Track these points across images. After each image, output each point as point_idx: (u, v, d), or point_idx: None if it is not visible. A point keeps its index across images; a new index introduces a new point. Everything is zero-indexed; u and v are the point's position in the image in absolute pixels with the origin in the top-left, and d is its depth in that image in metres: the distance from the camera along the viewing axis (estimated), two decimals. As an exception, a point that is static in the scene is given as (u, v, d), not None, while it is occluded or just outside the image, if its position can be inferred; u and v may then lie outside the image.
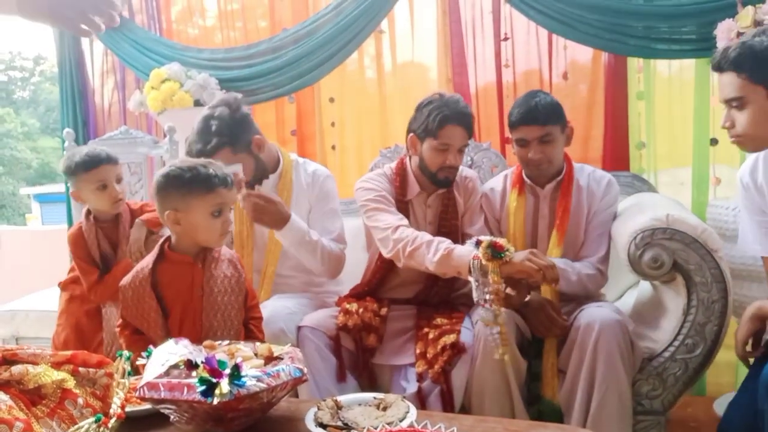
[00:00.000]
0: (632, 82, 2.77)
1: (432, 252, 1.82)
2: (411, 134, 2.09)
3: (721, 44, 2.35)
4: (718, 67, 1.50)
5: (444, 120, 1.99)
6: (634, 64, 2.77)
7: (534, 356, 1.90)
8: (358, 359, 1.96)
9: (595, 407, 1.72)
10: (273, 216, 1.98)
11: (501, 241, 1.73)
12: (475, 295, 1.74)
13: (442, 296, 2.14)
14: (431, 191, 2.14)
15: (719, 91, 1.52)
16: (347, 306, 2.02)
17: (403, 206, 2.10)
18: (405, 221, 1.98)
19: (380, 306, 2.05)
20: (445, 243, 1.82)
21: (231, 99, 2.09)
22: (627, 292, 2.41)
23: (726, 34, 2.36)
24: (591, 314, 1.77)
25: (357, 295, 2.15)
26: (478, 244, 1.75)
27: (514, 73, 2.97)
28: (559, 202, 2.06)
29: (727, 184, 2.60)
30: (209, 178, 1.56)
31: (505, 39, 2.95)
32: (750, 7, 2.33)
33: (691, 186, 2.66)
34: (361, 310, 1.99)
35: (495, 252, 1.70)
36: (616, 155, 2.78)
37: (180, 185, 1.56)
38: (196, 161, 1.61)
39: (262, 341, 1.50)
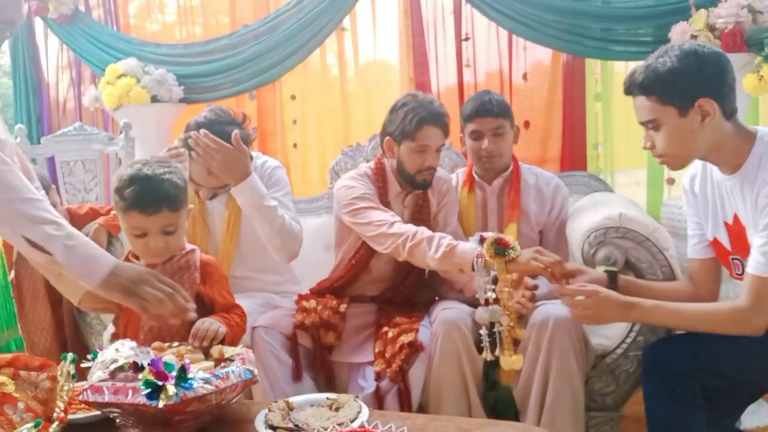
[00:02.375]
0: (590, 84, 2.82)
1: (433, 249, 1.76)
2: (387, 137, 2.07)
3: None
4: (629, 92, 1.52)
5: (421, 121, 1.97)
6: (592, 65, 2.82)
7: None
8: (315, 357, 1.94)
9: (549, 403, 1.74)
10: (229, 163, 1.91)
11: (507, 237, 1.67)
12: (478, 294, 1.69)
13: (407, 295, 2.14)
14: (408, 191, 2.14)
15: (636, 113, 1.53)
16: (305, 304, 2.00)
17: (384, 206, 2.09)
18: (398, 217, 1.96)
19: (339, 303, 2.03)
20: (446, 239, 1.77)
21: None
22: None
23: (680, 36, 2.42)
24: (545, 311, 1.79)
25: (319, 291, 2.14)
26: (482, 240, 1.69)
27: (475, 74, 2.99)
28: (507, 197, 2.14)
29: (680, 184, 2.65)
30: (123, 199, 1.48)
31: (466, 39, 2.96)
32: (703, 11, 2.39)
33: (646, 186, 2.72)
34: (319, 307, 1.98)
35: (499, 249, 1.64)
36: (574, 155, 2.83)
37: (113, 192, 1.52)
38: (142, 170, 1.50)
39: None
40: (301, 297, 2.11)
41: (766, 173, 1.40)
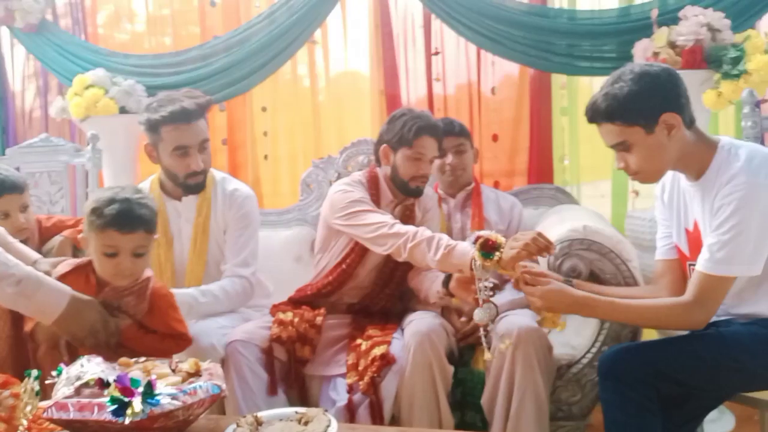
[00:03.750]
0: (556, 98, 2.88)
1: (433, 250, 1.80)
2: (384, 145, 2.14)
3: (638, 62, 2.47)
4: (592, 120, 1.58)
5: (419, 131, 2.06)
6: (558, 80, 2.88)
7: (460, 363, 1.93)
8: (290, 371, 1.94)
9: (514, 412, 1.76)
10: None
11: (493, 237, 1.66)
12: (477, 294, 1.70)
13: (384, 304, 2.16)
14: (399, 200, 2.18)
15: (603, 138, 1.59)
16: (282, 316, 2.00)
17: None
18: (396, 220, 1.98)
19: (315, 315, 2.04)
20: (444, 240, 1.80)
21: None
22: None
23: (642, 52, 2.49)
24: (510, 322, 1.82)
25: (297, 300, 2.14)
26: (476, 241, 1.70)
27: (445, 87, 3.03)
28: (472, 208, 2.34)
29: (644, 196, 2.73)
30: (101, 217, 1.53)
31: (436, 53, 3.00)
32: (665, 28, 2.47)
33: (611, 198, 2.78)
34: (296, 319, 1.98)
35: (485, 254, 1.65)
36: (541, 168, 2.88)
37: (89, 212, 1.56)
38: (120, 192, 1.57)
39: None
40: (276, 308, 2.10)
41: (723, 178, 1.47)
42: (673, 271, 1.69)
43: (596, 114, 1.55)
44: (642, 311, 1.56)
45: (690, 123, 1.53)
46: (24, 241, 2.10)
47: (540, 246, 1.61)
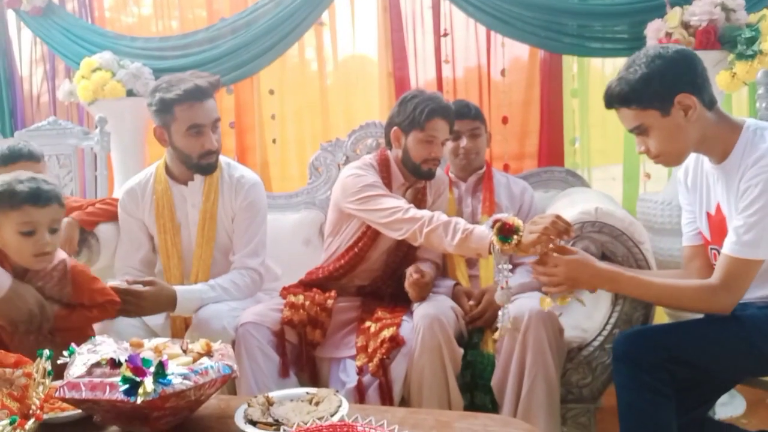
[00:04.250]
0: (567, 80, 2.85)
1: (450, 235, 1.78)
2: (395, 128, 2.12)
3: (651, 43, 2.43)
4: (609, 106, 1.56)
5: (431, 113, 2.04)
6: (569, 62, 2.84)
7: (469, 346, 1.93)
8: (301, 353, 1.94)
9: (525, 394, 1.76)
10: (156, 304, 1.87)
11: (510, 220, 1.65)
12: (495, 278, 1.71)
13: (394, 287, 2.15)
14: (410, 184, 2.18)
15: (621, 122, 1.57)
16: (293, 299, 2.00)
17: None
18: (410, 204, 1.97)
19: (327, 297, 2.04)
20: (461, 224, 1.79)
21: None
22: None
23: (655, 33, 2.45)
24: (521, 305, 1.81)
25: (308, 283, 2.14)
26: (494, 225, 1.68)
27: (454, 69, 3.00)
28: (483, 192, 2.29)
29: (656, 179, 2.71)
30: (14, 195, 1.53)
31: (445, 35, 2.97)
32: (678, 8, 2.43)
33: (623, 181, 2.75)
34: (307, 303, 1.98)
35: (503, 237, 1.64)
36: (552, 151, 2.85)
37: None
38: (21, 175, 1.58)
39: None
40: (287, 290, 2.10)
41: (749, 160, 1.44)
42: (700, 257, 1.67)
43: (612, 99, 1.54)
44: (666, 290, 1.53)
45: (710, 104, 1.51)
46: None
47: (559, 229, 1.60)
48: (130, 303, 1.80)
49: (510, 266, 1.68)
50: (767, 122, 1.56)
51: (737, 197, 1.46)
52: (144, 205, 2.11)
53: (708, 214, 1.60)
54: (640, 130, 1.53)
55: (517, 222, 1.64)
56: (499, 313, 1.70)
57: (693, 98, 1.47)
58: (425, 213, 1.87)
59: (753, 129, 1.48)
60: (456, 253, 1.89)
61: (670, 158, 1.56)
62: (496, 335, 1.72)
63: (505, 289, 1.66)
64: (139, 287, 1.82)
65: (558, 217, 1.62)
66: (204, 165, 2.04)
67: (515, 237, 1.62)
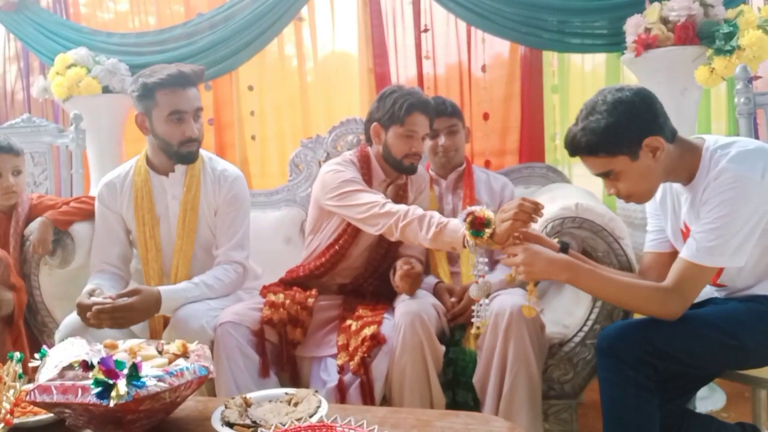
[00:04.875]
0: (547, 76, 2.85)
1: (425, 229, 1.76)
2: (375, 123, 2.10)
3: (630, 38, 2.44)
4: (574, 155, 1.56)
5: (410, 108, 2.03)
6: (550, 58, 2.84)
7: (451, 343, 1.93)
8: (281, 353, 1.92)
9: (507, 391, 1.76)
10: (142, 312, 1.83)
11: (481, 213, 1.61)
12: (472, 271, 1.68)
13: (375, 285, 2.15)
14: (391, 180, 2.16)
15: (588, 168, 1.58)
16: (273, 298, 1.98)
17: None
18: (388, 199, 1.95)
19: (307, 296, 2.02)
20: (436, 218, 1.77)
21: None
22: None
23: (634, 29, 2.45)
24: (502, 301, 1.81)
25: (289, 282, 2.12)
26: (467, 218, 1.65)
27: (435, 65, 2.99)
28: (463, 189, 2.28)
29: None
30: None
31: (425, 30, 2.96)
32: (656, 4, 2.43)
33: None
34: (287, 301, 1.96)
35: (474, 232, 1.61)
36: (533, 147, 2.85)
37: None
38: None
39: None
40: (267, 289, 2.08)
41: (712, 175, 1.46)
42: (662, 265, 1.67)
43: (577, 149, 1.53)
44: (621, 287, 1.54)
45: (672, 137, 1.52)
46: (12, 207, 2.09)
47: (528, 211, 1.58)
48: (123, 318, 1.78)
49: (486, 260, 1.66)
50: (722, 136, 1.58)
51: (701, 207, 1.48)
52: (122, 198, 2.08)
53: (681, 231, 1.63)
54: (609, 176, 1.54)
55: (488, 214, 1.61)
56: (473, 307, 1.68)
57: (659, 139, 1.48)
58: (401, 207, 1.85)
59: (713, 148, 1.50)
60: (432, 248, 1.87)
61: (642, 197, 1.58)
62: (473, 330, 1.70)
63: (480, 284, 1.64)
64: (125, 300, 1.79)
65: (523, 199, 1.60)
66: (184, 153, 2.01)
67: (487, 230, 1.60)
